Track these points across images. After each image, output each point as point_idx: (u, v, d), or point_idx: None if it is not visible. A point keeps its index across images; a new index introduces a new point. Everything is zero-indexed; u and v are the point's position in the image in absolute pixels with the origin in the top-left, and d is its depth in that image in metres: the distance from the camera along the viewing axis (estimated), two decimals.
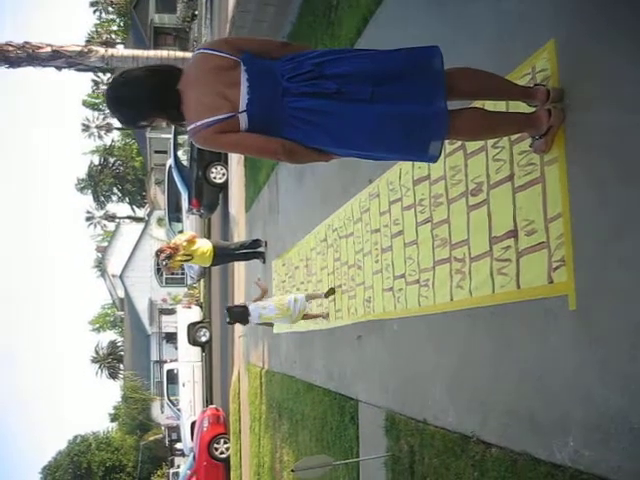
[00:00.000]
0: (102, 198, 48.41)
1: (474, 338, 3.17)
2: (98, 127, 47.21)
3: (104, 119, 45.98)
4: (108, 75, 35.24)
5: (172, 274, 26.38)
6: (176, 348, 20.19)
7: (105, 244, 42.56)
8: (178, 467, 23.33)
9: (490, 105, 2.81)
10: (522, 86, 2.59)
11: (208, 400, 17.23)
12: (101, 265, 42.40)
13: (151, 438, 34.02)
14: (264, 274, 9.38)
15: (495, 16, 3.03)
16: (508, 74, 2.76)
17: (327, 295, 5.92)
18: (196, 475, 13.90)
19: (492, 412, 2.97)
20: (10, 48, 9.70)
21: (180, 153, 14.61)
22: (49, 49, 9.93)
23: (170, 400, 19.55)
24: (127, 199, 48.92)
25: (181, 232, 12.20)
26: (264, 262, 9.42)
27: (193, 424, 15.25)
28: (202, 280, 20.66)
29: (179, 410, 17.86)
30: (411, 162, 3.82)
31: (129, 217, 48.48)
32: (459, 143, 3.29)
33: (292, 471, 4.46)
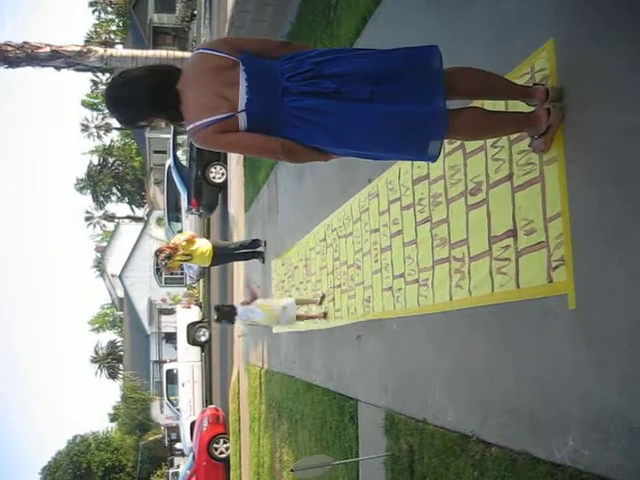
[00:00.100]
0: (101, 198, 48.39)
1: (473, 337, 3.17)
2: (97, 127, 47.17)
3: (103, 119, 45.95)
4: (107, 75, 35.23)
5: (171, 274, 26.28)
6: (175, 348, 20.20)
7: (104, 244, 42.54)
8: (178, 467, 23.30)
9: (489, 105, 2.80)
10: (521, 85, 2.59)
11: (208, 400, 17.23)
12: (100, 265, 42.42)
13: (151, 438, 34.01)
14: (263, 274, 9.38)
15: (494, 16, 3.03)
16: (507, 73, 2.76)
17: (321, 302, 6.17)
18: (196, 475, 13.88)
19: (492, 411, 2.97)
20: (9, 48, 9.69)
21: (179, 153, 14.63)
22: (48, 49, 9.93)
23: (169, 400, 19.55)
24: (126, 199, 48.89)
25: (180, 232, 12.16)
26: (263, 262, 9.41)
27: (193, 424, 15.23)
28: (201, 280, 20.66)
29: (178, 410, 17.85)
30: (410, 161, 3.82)
31: (128, 217, 48.44)
32: (458, 142, 3.29)
33: (292, 471, 4.47)
